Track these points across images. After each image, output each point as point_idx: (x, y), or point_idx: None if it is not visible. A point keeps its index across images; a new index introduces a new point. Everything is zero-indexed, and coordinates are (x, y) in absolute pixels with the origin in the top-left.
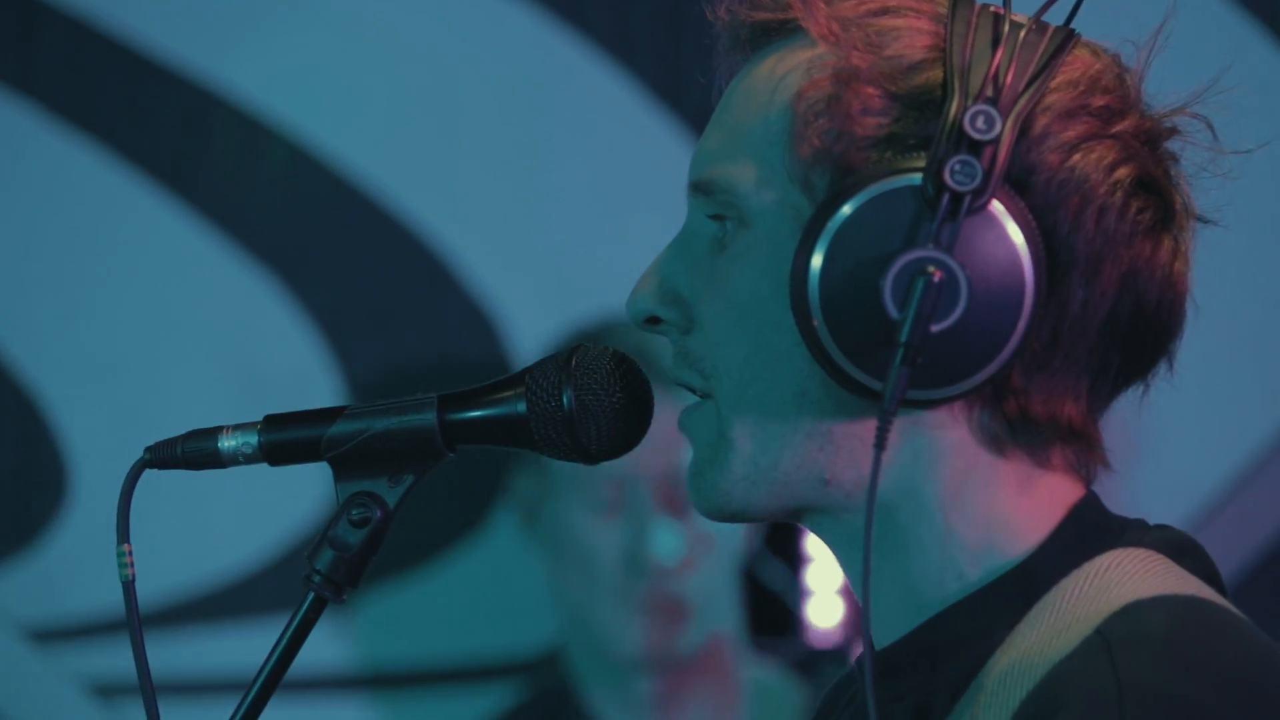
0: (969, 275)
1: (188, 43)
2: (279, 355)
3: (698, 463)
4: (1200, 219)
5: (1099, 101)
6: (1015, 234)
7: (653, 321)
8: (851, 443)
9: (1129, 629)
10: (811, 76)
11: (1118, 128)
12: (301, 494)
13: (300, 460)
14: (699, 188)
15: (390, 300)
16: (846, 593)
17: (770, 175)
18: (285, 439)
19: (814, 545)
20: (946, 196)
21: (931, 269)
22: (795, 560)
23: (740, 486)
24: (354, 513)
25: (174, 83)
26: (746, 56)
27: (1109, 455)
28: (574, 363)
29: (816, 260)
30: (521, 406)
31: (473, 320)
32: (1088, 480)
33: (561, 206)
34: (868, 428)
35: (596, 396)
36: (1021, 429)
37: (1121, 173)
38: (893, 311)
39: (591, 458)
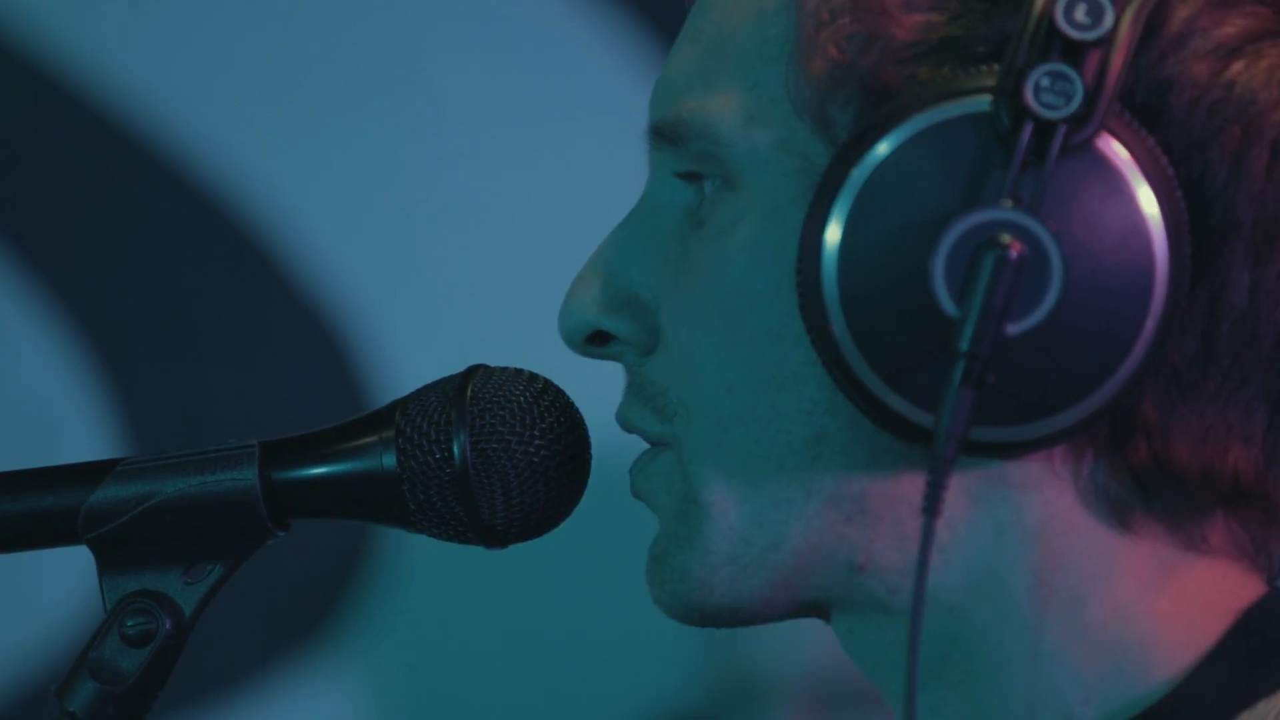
0: (1065, 249)
1: None
2: (27, 381)
3: (661, 542)
4: None
5: None
6: (1139, 185)
7: (598, 340)
8: (896, 510)
9: None
10: None
11: None
12: (46, 589)
13: (45, 543)
14: (663, 132)
15: (194, 308)
16: None
17: (767, 108)
18: (19, 510)
19: None
20: (1029, 128)
21: (1006, 239)
22: None
23: (724, 574)
24: (129, 624)
25: None
26: None
27: None
28: (470, 393)
29: (834, 233)
30: (390, 459)
31: (312, 333)
32: (1269, 571)
33: (442, 172)
34: (919, 486)
35: (505, 444)
36: (1159, 489)
37: None
38: (948, 306)
39: (497, 537)
